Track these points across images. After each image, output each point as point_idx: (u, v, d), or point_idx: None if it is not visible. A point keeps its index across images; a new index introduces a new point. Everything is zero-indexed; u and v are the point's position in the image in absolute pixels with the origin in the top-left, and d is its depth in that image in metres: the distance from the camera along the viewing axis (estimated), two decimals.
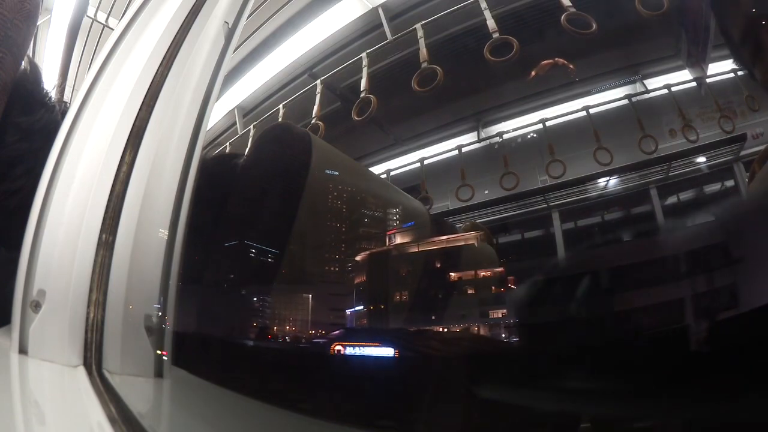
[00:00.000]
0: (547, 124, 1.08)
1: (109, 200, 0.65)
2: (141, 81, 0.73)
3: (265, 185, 1.08)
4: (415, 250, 1.02)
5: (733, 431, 0.51)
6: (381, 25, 1.35)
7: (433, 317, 0.93)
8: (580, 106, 1.06)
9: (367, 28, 1.38)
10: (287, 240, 1.03)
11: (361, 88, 1.21)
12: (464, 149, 1.16)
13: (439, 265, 1.00)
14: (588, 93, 1.05)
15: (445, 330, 0.91)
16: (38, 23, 1.63)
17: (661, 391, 0.56)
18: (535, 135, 1.09)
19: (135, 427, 0.45)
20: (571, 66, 1.00)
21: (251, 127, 1.45)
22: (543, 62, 0.99)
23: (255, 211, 1.07)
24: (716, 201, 0.95)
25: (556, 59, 0.97)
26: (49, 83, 0.95)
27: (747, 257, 0.64)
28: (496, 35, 1.11)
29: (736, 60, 0.86)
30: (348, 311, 1.01)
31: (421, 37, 1.21)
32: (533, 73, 1.00)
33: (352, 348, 0.90)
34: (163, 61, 0.75)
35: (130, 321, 0.63)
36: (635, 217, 0.99)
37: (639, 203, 0.96)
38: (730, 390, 0.52)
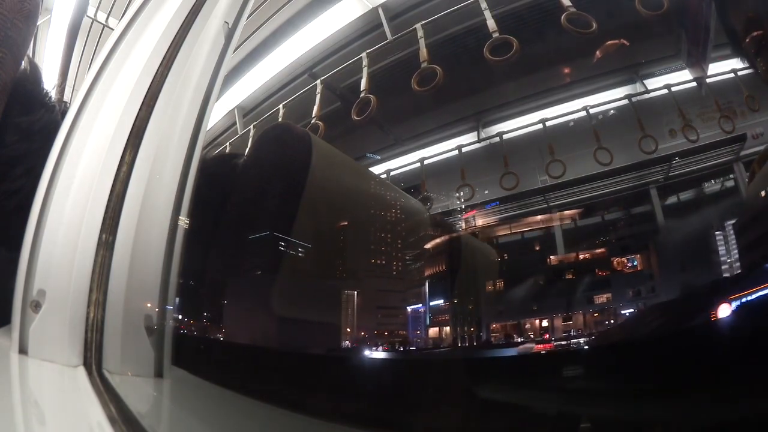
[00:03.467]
0: (547, 124, 1.08)
1: (109, 200, 0.65)
2: (141, 81, 0.73)
3: (265, 185, 1.08)
4: None
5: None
6: (381, 25, 1.35)
7: None
8: (580, 106, 1.06)
9: (367, 28, 1.38)
10: (287, 239, 1.03)
11: (361, 88, 1.21)
12: (464, 149, 1.16)
13: None
14: (588, 93, 1.05)
15: None
16: (38, 23, 1.63)
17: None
18: (535, 135, 1.09)
19: (135, 427, 0.45)
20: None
21: (251, 127, 1.45)
22: (608, 42, 0.97)
23: (255, 211, 1.07)
24: (717, 201, 0.95)
25: (621, 40, 0.97)
26: (49, 83, 0.95)
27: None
28: (495, 35, 1.11)
29: (738, 55, 0.86)
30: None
31: (421, 37, 1.21)
32: (598, 54, 0.99)
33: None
34: (163, 61, 0.75)
35: (130, 321, 0.63)
36: (639, 217, 0.99)
37: (638, 203, 0.97)
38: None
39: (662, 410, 0.59)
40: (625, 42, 0.97)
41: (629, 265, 0.88)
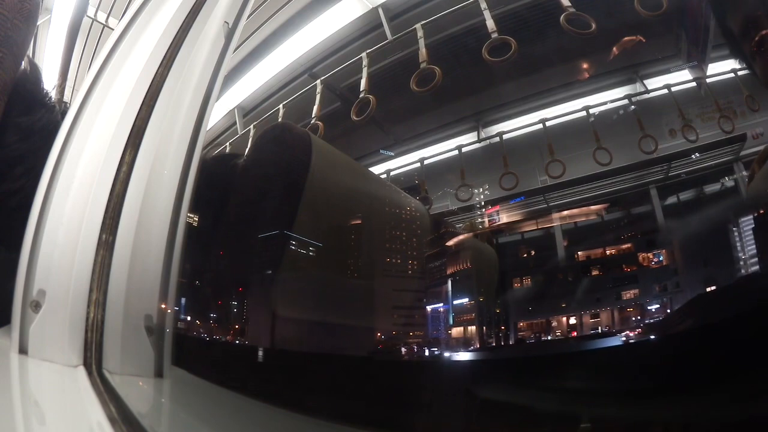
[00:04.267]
0: (547, 124, 1.08)
1: (109, 200, 0.65)
2: (141, 81, 0.73)
3: (265, 185, 1.08)
4: None
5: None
6: (381, 25, 1.35)
7: None
8: (580, 106, 1.06)
9: (367, 28, 1.38)
10: (287, 239, 1.03)
11: (361, 88, 1.21)
12: (464, 149, 1.16)
13: None
14: (588, 93, 1.05)
15: None
16: (38, 23, 1.63)
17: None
18: (535, 135, 1.09)
19: (135, 427, 0.45)
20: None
21: (251, 127, 1.45)
22: (625, 39, 0.97)
23: (255, 211, 1.07)
24: (716, 201, 0.94)
25: (638, 36, 0.96)
26: (49, 83, 0.95)
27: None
28: (495, 35, 1.11)
29: (736, 56, 0.86)
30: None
31: (421, 37, 1.21)
32: (615, 50, 0.99)
33: None
34: (163, 61, 0.75)
35: (130, 321, 0.63)
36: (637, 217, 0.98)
37: (638, 203, 0.97)
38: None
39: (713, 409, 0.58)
40: (641, 38, 0.97)
41: (655, 260, 0.87)
